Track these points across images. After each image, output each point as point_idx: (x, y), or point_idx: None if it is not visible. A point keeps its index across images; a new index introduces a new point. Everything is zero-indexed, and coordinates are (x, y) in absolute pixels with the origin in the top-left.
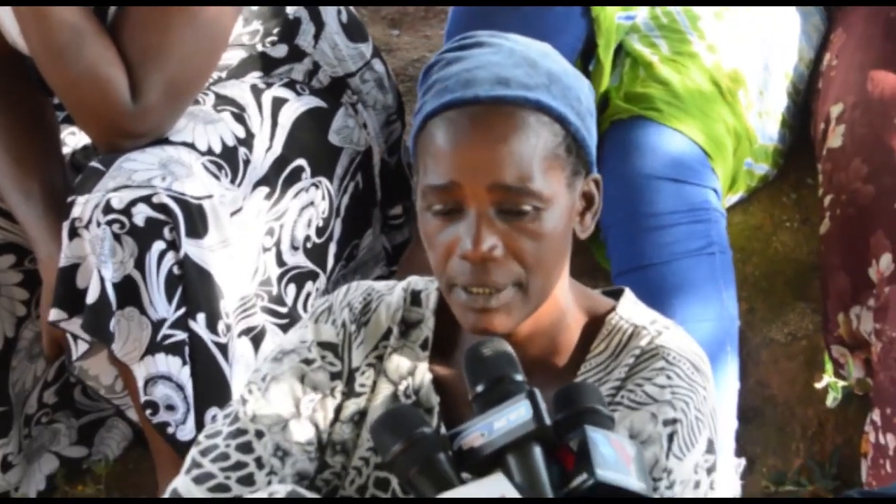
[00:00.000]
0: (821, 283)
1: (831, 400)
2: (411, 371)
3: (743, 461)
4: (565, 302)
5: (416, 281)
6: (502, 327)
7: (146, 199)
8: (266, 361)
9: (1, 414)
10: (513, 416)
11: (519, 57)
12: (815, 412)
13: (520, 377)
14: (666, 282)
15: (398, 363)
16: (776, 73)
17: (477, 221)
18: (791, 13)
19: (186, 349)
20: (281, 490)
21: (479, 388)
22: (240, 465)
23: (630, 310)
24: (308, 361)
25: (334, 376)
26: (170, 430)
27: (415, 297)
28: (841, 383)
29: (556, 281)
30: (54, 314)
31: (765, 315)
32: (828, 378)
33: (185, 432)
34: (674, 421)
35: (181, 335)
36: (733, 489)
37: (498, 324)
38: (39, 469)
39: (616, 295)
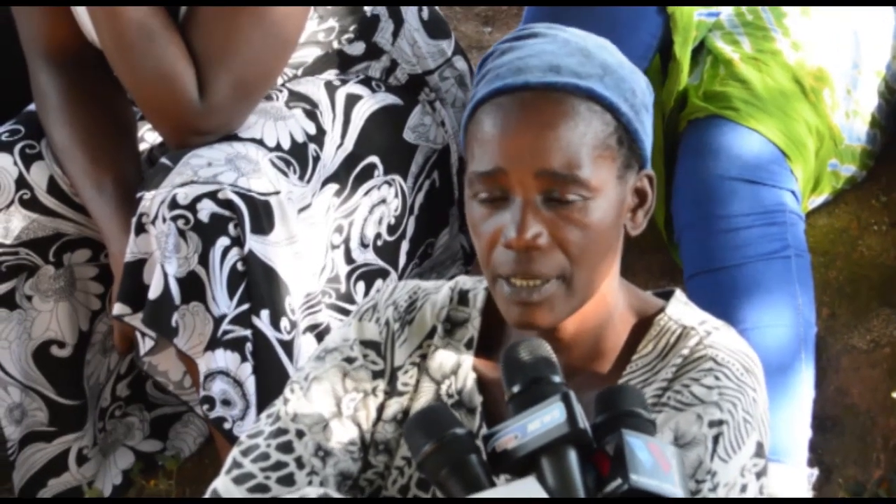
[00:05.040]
0: None
1: None
2: (455, 370)
3: (815, 471)
4: (614, 301)
5: (464, 280)
6: (545, 322)
7: (211, 195)
8: (310, 360)
9: (76, 407)
10: (547, 419)
11: (573, 47)
12: None
13: (557, 378)
14: (738, 285)
15: (441, 362)
16: (867, 72)
17: (522, 209)
18: (885, 9)
19: (248, 346)
20: (312, 493)
21: (516, 389)
22: (280, 465)
23: (680, 310)
24: (350, 360)
25: (376, 375)
26: (226, 425)
27: (462, 297)
28: None
29: (603, 277)
30: (118, 308)
31: (847, 321)
32: None
33: (244, 429)
34: (720, 422)
35: (242, 331)
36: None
37: (541, 318)
38: (115, 463)
39: (668, 296)
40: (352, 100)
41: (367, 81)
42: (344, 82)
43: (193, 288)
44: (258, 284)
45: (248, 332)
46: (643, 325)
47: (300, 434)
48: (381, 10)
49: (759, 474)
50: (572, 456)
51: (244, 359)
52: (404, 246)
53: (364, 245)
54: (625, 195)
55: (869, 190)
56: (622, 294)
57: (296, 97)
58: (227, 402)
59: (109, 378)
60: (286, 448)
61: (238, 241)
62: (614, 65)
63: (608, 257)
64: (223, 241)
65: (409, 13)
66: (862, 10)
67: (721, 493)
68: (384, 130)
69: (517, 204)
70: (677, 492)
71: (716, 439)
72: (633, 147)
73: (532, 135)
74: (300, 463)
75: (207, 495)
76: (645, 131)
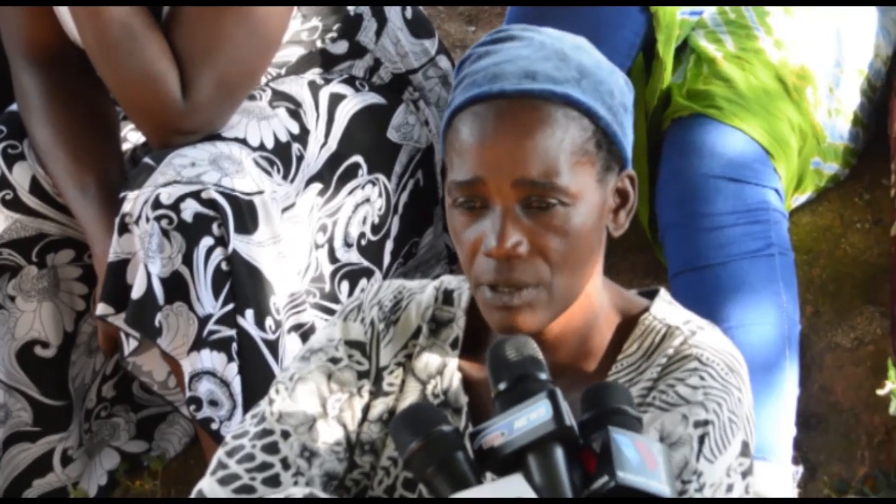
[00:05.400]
0: (890, 286)
1: (894, 408)
2: (440, 370)
3: (800, 468)
4: (598, 302)
5: (448, 280)
6: (528, 326)
7: (195, 195)
8: (295, 360)
9: (61, 408)
10: (533, 416)
11: (549, 50)
12: (882, 420)
13: (543, 375)
14: (722, 283)
15: (427, 362)
16: (849, 70)
17: (502, 218)
18: (867, 7)
19: (234, 346)
20: (298, 493)
21: (502, 386)
22: (265, 466)
23: (664, 310)
24: (335, 360)
25: (361, 375)
26: (213, 425)
27: (447, 296)
28: None
29: (585, 280)
30: (101, 308)
31: (831, 319)
32: (891, 384)
33: (231, 429)
34: (705, 422)
35: (228, 331)
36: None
37: (523, 322)
38: (100, 464)
39: (652, 296)
40: (335, 99)
41: (350, 81)
42: (327, 81)
43: (177, 288)
44: (243, 284)
45: (233, 332)
46: (628, 324)
47: (286, 435)
48: (365, 10)
49: (745, 474)
50: (559, 453)
51: (230, 359)
52: (388, 245)
53: (348, 244)
54: (605, 198)
55: (852, 188)
56: (606, 294)
57: (279, 96)
58: (214, 403)
59: (95, 379)
60: (271, 449)
61: (222, 241)
62: (591, 66)
63: (590, 261)
64: (207, 241)
65: (393, 12)
66: (844, 8)
67: (707, 494)
68: (368, 130)
69: (497, 212)
70: (664, 489)
71: (701, 439)
72: (612, 149)
73: (509, 143)
74: (286, 464)
75: (193, 496)
76: (624, 132)
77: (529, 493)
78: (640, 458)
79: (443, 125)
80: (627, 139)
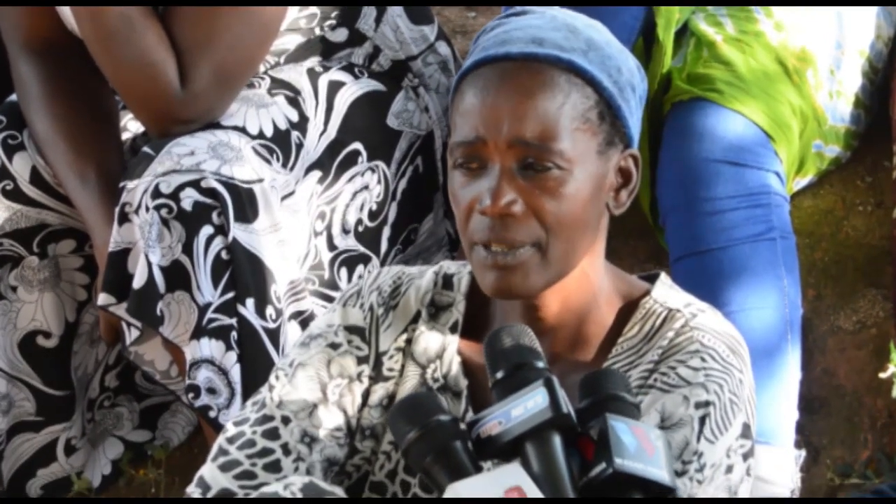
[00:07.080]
0: (892, 269)
1: None
2: (439, 354)
3: (803, 452)
4: (598, 283)
5: (448, 265)
6: (520, 288)
7: (194, 184)
8: (294, 346)
9: (64, 398)
10: (530, 404)
11: (560, 23)
12: (885, 403)
13: (540, 364)
14: (724, 267)
15: (426, 346)
16: (850, 52)
17: (498, 177)
18: None
19: (233, 334)
20: (297, 482)
21: (499, 375)
22: (266, 452)
23: (665, 293)
24: (335, 346)
25: (361, 360)
26: (211, 413)
27: (446, 281)
28: None
29: (581, 251)
30: (103, 299)
31: (833, 302)
32: (893, 367)
33: (229, 417)
34: (706, 403)
35: (227, 320)
36: (790, 480)
37: (515, 284)
38: (104, 453)
39: (653, 280)
40: (334, 86)
41: (349, 68)
42: (326, 69)
43: (178, 277)
44: (243, 273)
45: (233, 321)
46: (629, 308)
47: (286, 420)
48: None
49: (746, 455)
50: (556, 441)
51: (229, 347)
52: (386, 231)
53: (345, 231)
54: (606, 172)
55: (854, 170)
56: (608, 277)
57: (278, 84)
58: (212, 391)
59: (98, 368)
60: (272, 435)
61: (222, 230)
62: (600, 42)
63: (587, 232)
64: (207, 230)
65: None
66: None
67: (707, 475)
68: (368, 117)
69: (494, 172)
70: (663, 475)
71: (702, 420)
72: (615, 124)
73: (509, 103)
74: (286, 449)
75: (194, 482)
76: (629, 109)
77: (527, 481)
78: (637, 444)
79: (451, 90)
80: (633, 118)
